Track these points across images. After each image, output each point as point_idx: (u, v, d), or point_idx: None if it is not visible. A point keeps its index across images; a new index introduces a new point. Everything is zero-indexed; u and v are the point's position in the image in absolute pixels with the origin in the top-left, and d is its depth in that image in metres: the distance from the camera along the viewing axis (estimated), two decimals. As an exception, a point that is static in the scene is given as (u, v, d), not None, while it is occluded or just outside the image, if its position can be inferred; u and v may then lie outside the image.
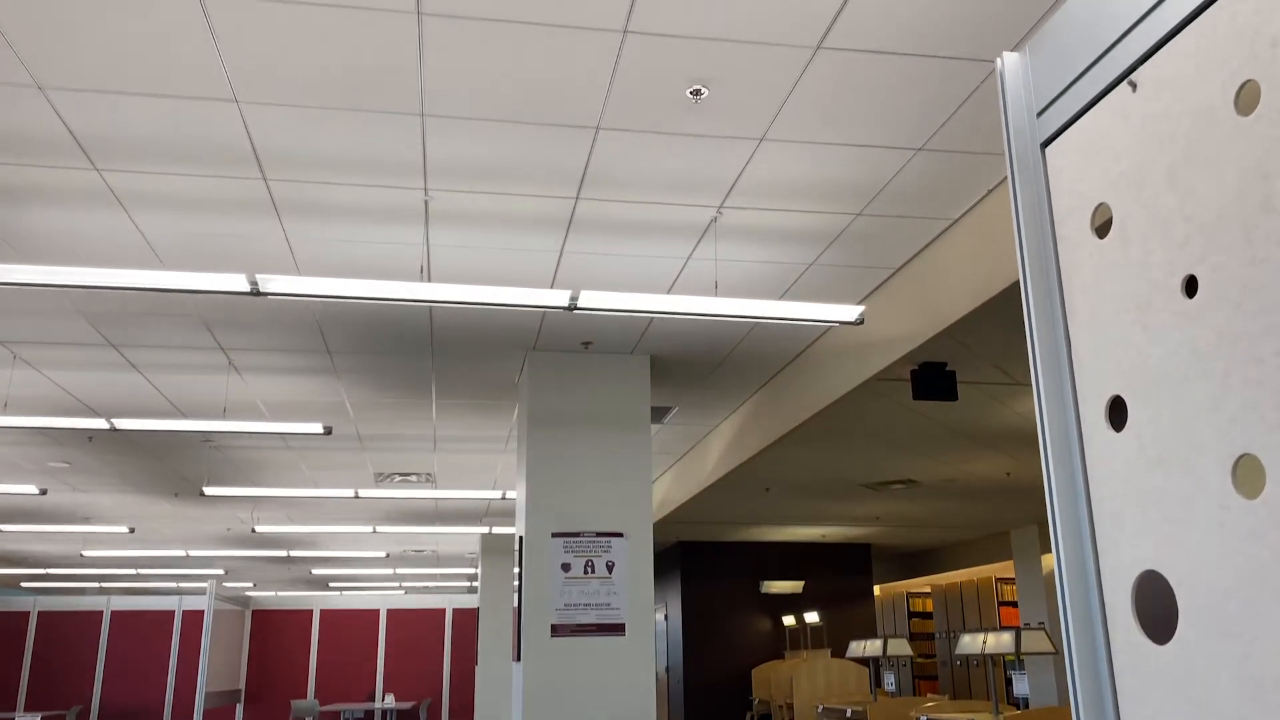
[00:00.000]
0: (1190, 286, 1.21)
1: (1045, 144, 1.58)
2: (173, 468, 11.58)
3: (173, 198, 5.09)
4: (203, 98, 4.22)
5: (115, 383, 8.28)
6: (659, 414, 9.61)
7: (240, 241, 5.62)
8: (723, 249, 5.88)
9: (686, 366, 8.20)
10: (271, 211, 5.27)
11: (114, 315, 6.74)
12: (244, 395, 8.72)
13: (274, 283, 4.89)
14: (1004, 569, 16.91)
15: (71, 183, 4.90)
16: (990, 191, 5.24)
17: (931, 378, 6.94)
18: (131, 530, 15.61)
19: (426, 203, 5.21)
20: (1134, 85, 1.35)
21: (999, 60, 1.68)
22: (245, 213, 5.28)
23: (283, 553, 18.61)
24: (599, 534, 7.34)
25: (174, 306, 6.59)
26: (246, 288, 4.87)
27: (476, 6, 3.68)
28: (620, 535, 7.36)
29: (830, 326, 7.19)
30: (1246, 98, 1.13)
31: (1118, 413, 1.34)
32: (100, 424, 7.86)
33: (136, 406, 8.98)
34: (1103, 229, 1.41)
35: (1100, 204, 1.42)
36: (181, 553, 18.32)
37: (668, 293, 6.50)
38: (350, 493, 11.41)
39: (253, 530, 16.25)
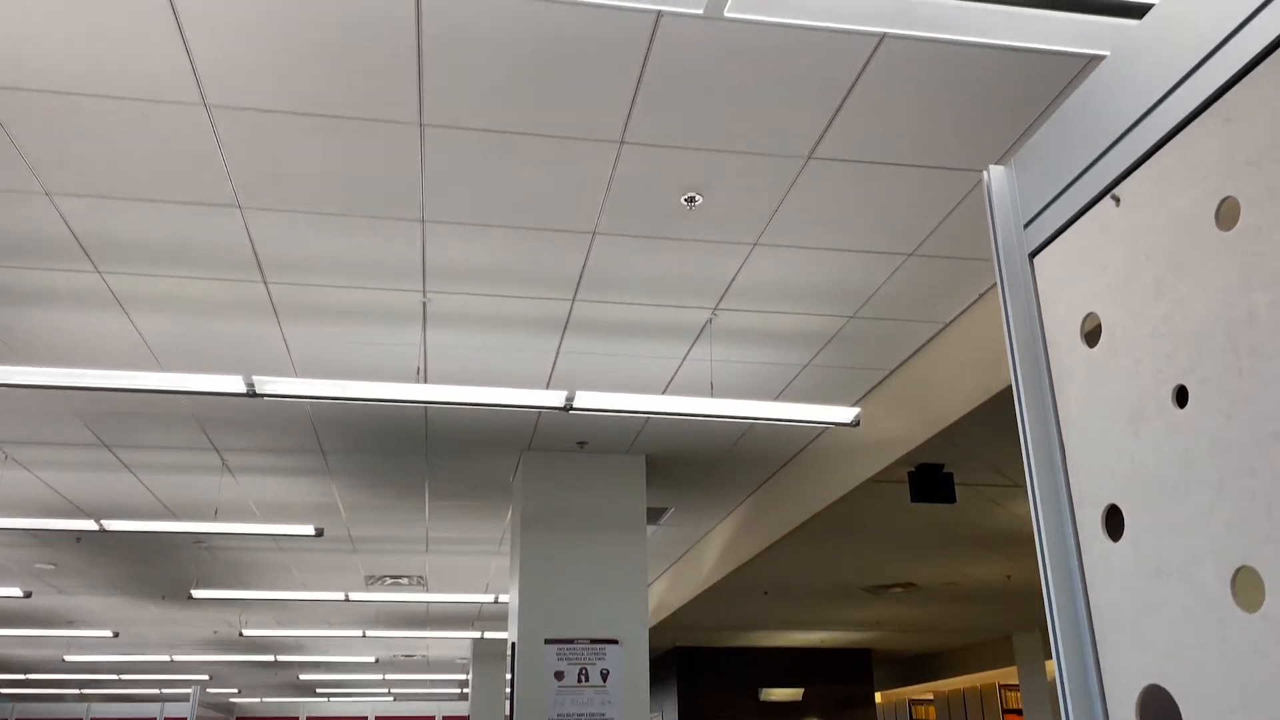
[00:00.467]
0: (1181, 396, 1.22)
1: (1033, 254, 1.61)
2: (160, 570, 11.40)
3: (172, 299, 5.13)
4: (207, 204, 4.30)
5: (106, 483, 8.21)
6: (655, 515, 9.52)
7: (238, 343, 5.65)
8: (718, 350, 5.92)
9: (683, 467, 8.17)
10: (270, 313, 5.31)
11: (109, 415, 6.73)
12: (236, 496, 8.65)
13: (271, 384, 4.90)
14: (1008, 675, 16.55)
15: (72, 285, 4.96)
16: (981, 296, 5.31)
17: (929, 480, 6.92)
18: (115, 634, 15.28)
19: (424, 304, 5.27)
20: (1117, 199, 1.39)
21: (986, 173, 1.73)
22: (244, 314, 5.33)
23: (270, 657, 18.19)
24: (593, 641, 7.20)
25: (169, 407, 6.58)
26: (243, 389, 4.88)
27: (477, 119, 3.78)
28: (615, 642, 7.22)
29: (827, 428, 7.19)
30: (1226, 213, 1.16)
31: (1114, 521, 1.34)
32: (90, 525, 7.77)
33: (127, 507, 8.89)
34: (1092, 337, 1.43)
35: (1089, 313, 1.44)
36: (166, 658, 17.90)
37: (663, 393, 6.51)
38: (341, 595, 11.22)
39: (240, 634, 15.91)
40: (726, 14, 2.38)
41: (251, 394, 4.90)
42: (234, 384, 4.87)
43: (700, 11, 2.42)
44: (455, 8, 3.22)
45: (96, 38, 3.33)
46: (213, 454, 7.55)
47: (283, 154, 3.98)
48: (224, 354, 5.79)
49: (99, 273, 4.85)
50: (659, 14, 3.24)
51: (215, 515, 9.18)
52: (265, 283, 4.99)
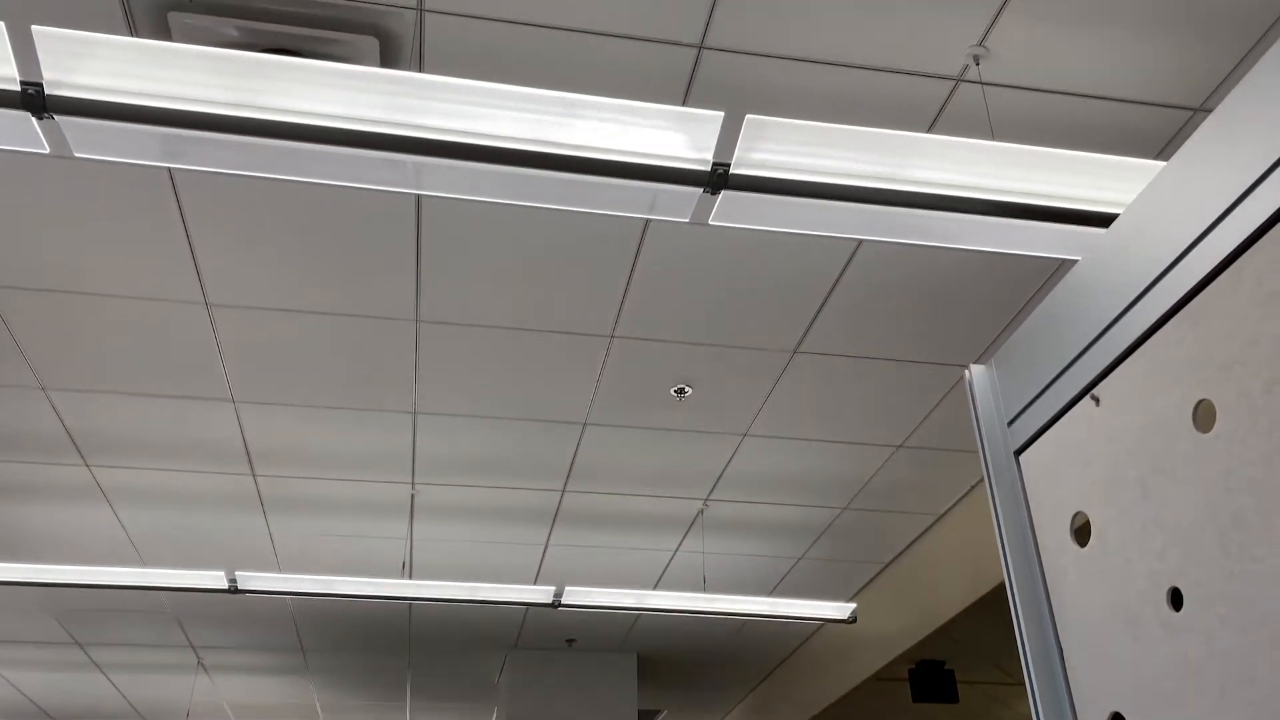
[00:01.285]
0: (1175, 599, 1.20)
1: (1019, 451, 1.62)
2: (125, 778, 10.78)
3: (159, 492, 5.09)
4: (201, 397, 4.34)
5: (75, 684, 7.88)
6: (647, 717, 9.12)
7: (222, 536, 5.57)
8: (710, 542, 5.84)
9: (675, 665, 7.89)
10: (257, 506, 5.26)
11: (83, 612, 6.54)
12: (210, 697, 8.29)
13: (253, 580, 4.79)
14: None
15: (59, 478, 4.92)
16: (973, 488, 5.30)
17: (931, 678, 6.68)
18: None
19: (413, 496, 5.23)
20: (1097, 400, 1.41)
21: (967, 371, 1.76)
22: (230, 508, 5.27)
23: None
24: None
25: (147, 603, 6.40)
26: (225, 584, 4.77)
27: (472, 314, 3.87)
28: None
29: (823, 624, 7.00)
30: (1203, 416, 1.18)
31: (1120, 731, 1.29)
32: (53, 730, 7.40)
33: (95, 710, 8.49)
34: (1083, 536, 1.42)
35: (1078, 511, 1.44)
36: None
37: (655, 588, 6.37)
38: (314, 807, 10.57)
39: None
40: (711, 222, 2.49)
41: (233, 589, 4.79)
42: (216, 579, 4.76)
43: (686, 220, 2.53)
44: (454, 212, 3.36)
45: (109, 243, 3.45)
46: (188, 651, 7.29)
47: (279, 349, 4.05)
48: (207, 548, 5.69)
49: (87, 466, 4.83)
50: (648, 220, 3.38)
51: (187, 717, 8.77)
52: (254, 475, 4.97)
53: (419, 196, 3.30)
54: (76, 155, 2.26)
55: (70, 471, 4.88)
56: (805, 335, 4.05)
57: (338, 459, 4.85)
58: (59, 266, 3.57)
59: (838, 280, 3.73)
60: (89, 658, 7.35)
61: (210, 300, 3.76)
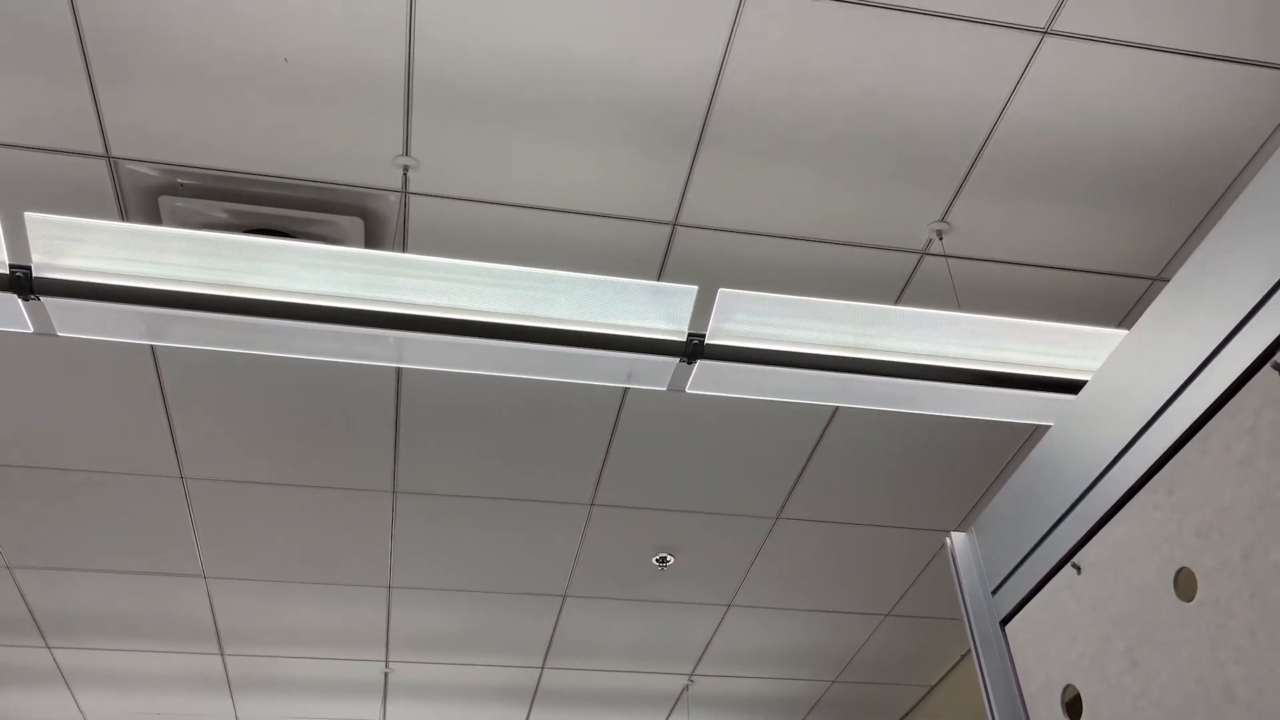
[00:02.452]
0: (1174, 778, 1.16)
1: (1004, 622, 1.60)
2: None
3: (121, 675, 4.89)
4: (172, 574, 4.23)
5: None
6: None
7: (186, 721, 5.32)
8: (697, 719, 5.62)
9: None
10: (224, 687, 5.05)
11: (34, 807, 6.15)
12: None
13: (216, 768, 4.55)
14: None
15: (18, 662, 4.73)
16: (963, 657, 5.17)
17: None
18: None
19: (386, 675, 5.04)
20: (1078, 568, 1.40)
21: (948, 540, 1.75)
22: (196, 689, 5.06)
23: None
24: None
25: (102, 796, 6.04)
26: (185, 774, 4.53)
27: (450, 485, 3.84)
28: None
29: (815, 805, 6.67)
30: (1185, 584, 1.17)
31: None
32: None
33: None
34: (1074, 709, 1.39)
35: (1067, 684, 1.41)
36: None
37: (639, 770, 6.08)
38: None
39: None
40: (688, 390, 2.53)
41: (194, 780, 4.54)
42: (176, 769, 4.52)
43: (664, 389, 2.57)
44: (434, 382, 3.39)
45: (86, 418, 3.44)
46: None
47: (254, 522, 3.99)
48: (169, 734, 5.42)
49: (48, 648, 4.66)
50: (626, 389, 3.42)
51: None
52: (222, 654, 4.80)
53: (399, 369, 3.33)
54: (60, 335, 2.29)
55: (30, 654, 4.69)
56: (786, 501, 4.03)
57: (309, 636, 4.70)
58: (32, 441, 3.54)
59: (816, 446, 3.74)
60: None
61: (186, 473, 3.72)
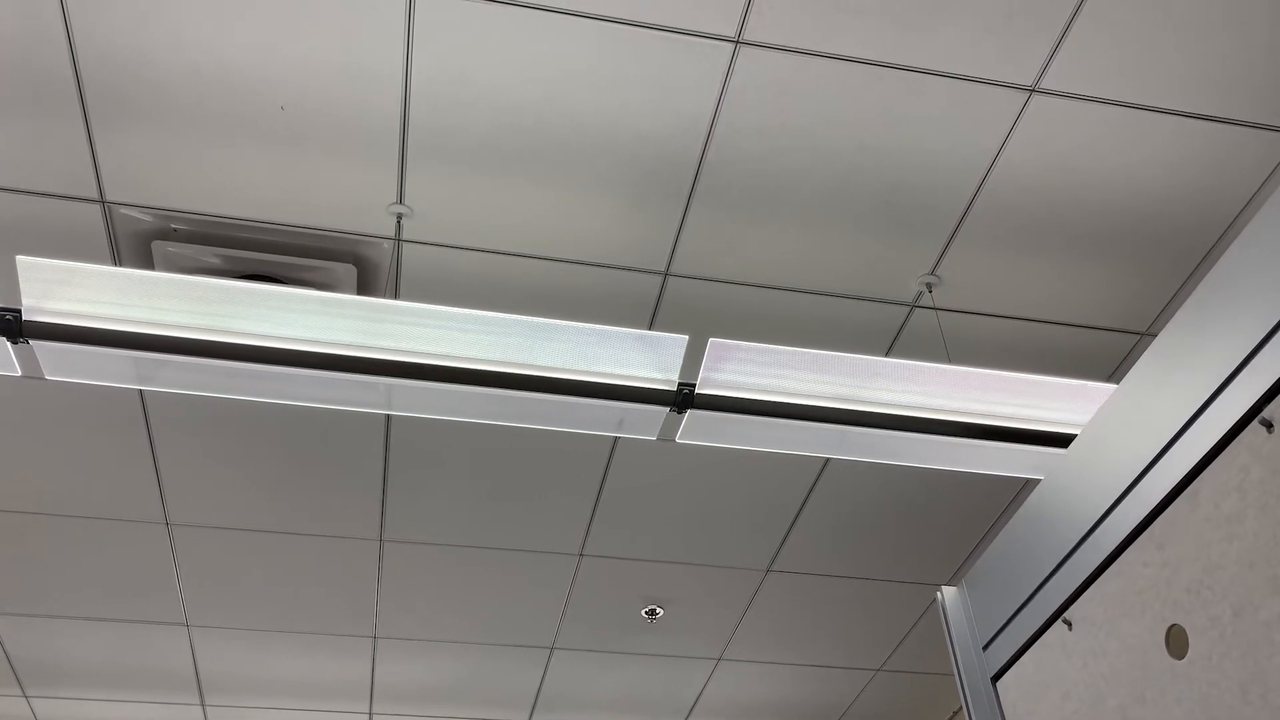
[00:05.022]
0: (1168, 840, 1.14)
1: (995, 678, 1.58)
2: None
3: (100, 726, 4.80)
4: (154, 621, 4.17)
5: None
6: None
7: (164, 774, 5.21)
8: (684, 776, 5.53)
9: None
10: (204, 740, 4.96)
11: None
12: None
13: (193, 823, 4.45)
14: None
15: (-6, 710, 4.65)
16: (955, 714, 5.11)
17: None
18: None
19: (371, 729, 4.96)
20: (1069, 624, 1.39)
21: (939, 594, 1.74)
22: (175, 741, 4.96)
23: None
24: None
25: None
26: (161, 829, 4.43)
27: (437, 534, 3.81)
28: None
29: None
30: (1176, 641, 1.16)
31: None
32: None
33: None
34: (1068, 771, 1.37)
35: (1060, 744, 1.39)
36: None
37: (626, 827, 5.96)
38: None
39: None
40: (678, 439, 2.52)
41: (170, 835, 4.44)
42: (152, 824, 4.42)
43: (654, 438, 2.56)
44: (423, 430, 3.38)
45: (71, 462, 3.41)
46: None
47: (239, 570, 3.94)
48: (146, 787, 5.31)
49: (25, 697, 4.57)
50: (616, 438, 3.41)
51: None
52: (203, 705, 4.71)
53: (389, 415, 3.32)
54: (48, 378, 2.28)
55: (7, 703, 4.61)
56: (778, 554, 4.00)
57: (292, 687, 4.62)
58: (15, 485, 3.51)
59: (807, 498, 3.73)
60: None
61: (171, 519, 3.69)
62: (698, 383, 2.44)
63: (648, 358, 2.39)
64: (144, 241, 2.75)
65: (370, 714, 4.85)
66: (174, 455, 3.42)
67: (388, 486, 3.59)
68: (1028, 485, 3.71)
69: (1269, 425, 1.08)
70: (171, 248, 2.73)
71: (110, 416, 3.27)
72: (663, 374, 2.41)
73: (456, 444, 3.43)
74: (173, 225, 2.71)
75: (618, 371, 2.40)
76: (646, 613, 4.30)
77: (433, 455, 3.47)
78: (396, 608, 4.19)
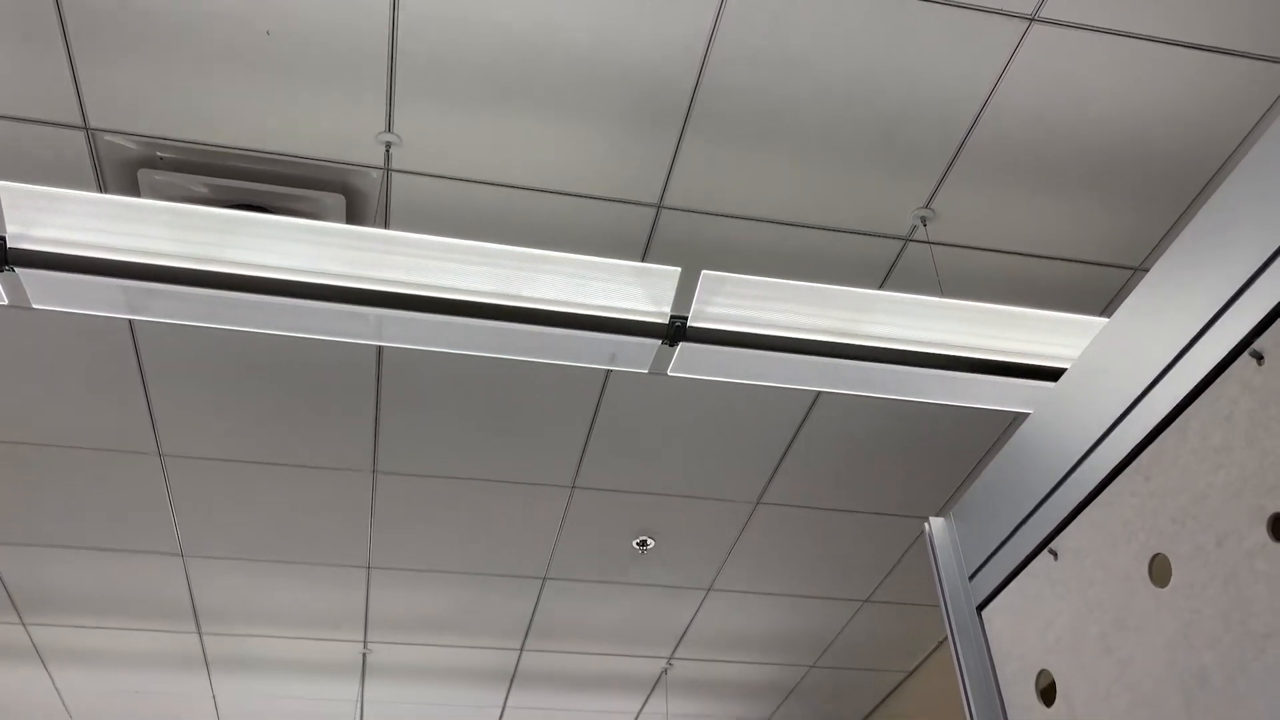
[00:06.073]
0: (1145, 762, 1.17)
1: (980, 606, 1.60)
2: None
3: (98, 653, 4.87)
4: (149, 551, 4.21)
5: None
6: None
7: (162, 700, 5.30)
8: (675, 703, 5.64)
9: (638, 836, 7.49)
10: (202, 667, 5.03)
11: (8, 784, 6.13)
12: None
13: (192, 746, 4.54)
14: None
15: (-7, 637, 4.70)
16: (940, 644, 5.21)
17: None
18: None
19: (365, 655, 5.03)
20: (1055, 554, 1.41)
21: (927, 524, 1.76)
22: (173, 668, 5.04)
23: None
24: None
25: (78, 773, 6.03)
26: (161, 752, 4.52)
27: (430, 466, 3.83)
28: None
29: (791, 788, 6.72)
30: (1159, 570, 1.18)
31: None
32: None
33: None
34: (1048, 695, 1.39)
35: (1042, 670, 1.41)
36: None
37: (617, 752, 6.11)
38: None
39: None
40: (670, 373, 2.52)
41: (170, 758, 4.53)
42: (152, 747, 4.50)
43: (646, 371, 2.56)
44: (415, 362, 3.37)
45: (62, 392, 3.41)
46: (119, 828, 6.82)
47: (232, 501, 3.96)
48: (145, 713, 5.40)
49: (24, 625, 4.63)
50: (608, 371, 3.41)
51: None
52: (199, 634, 4.78)
53: (380, 347, 3.31)
54: (35, 307, 2.26)
55: (5, 630, 4.66)
56: (768, 486, 4.04)
57: (288, 616, 4.69)
58: (7, 416, 3.50)
59: (798, 431, 3.75)
60: (9, 835, 6.85)
61: (164, 450, 3.70)
62: (690, 315, 2.43)
63: (640, 290, 2.38)
64: (130, 170, 2.71)
65: (365, 642, 4.92)
66: (165, 387, 3.42)
67: (380, 419, 3.60)
68: (1017, 419, 3.73)
69: (1259, 357, 1.08)
70: (158, 176, 2.69)
71: (99, 348, 3.26)
72: (655, 306, 2.40)
73: (449, 376, 3.43)
74: (159, 153, 2.67)
75: (610, 304, 2.39)
76: (638, 544, 4.35)
77: (425, 387, 3.47)
78: (390, 539, 4.23)
